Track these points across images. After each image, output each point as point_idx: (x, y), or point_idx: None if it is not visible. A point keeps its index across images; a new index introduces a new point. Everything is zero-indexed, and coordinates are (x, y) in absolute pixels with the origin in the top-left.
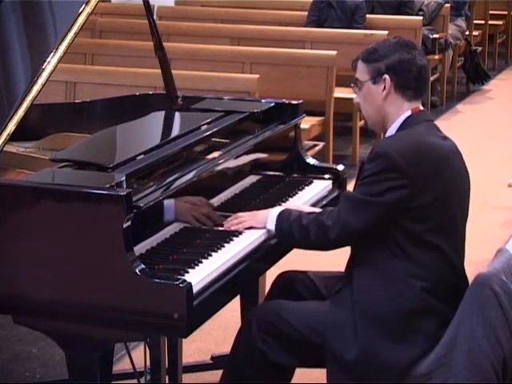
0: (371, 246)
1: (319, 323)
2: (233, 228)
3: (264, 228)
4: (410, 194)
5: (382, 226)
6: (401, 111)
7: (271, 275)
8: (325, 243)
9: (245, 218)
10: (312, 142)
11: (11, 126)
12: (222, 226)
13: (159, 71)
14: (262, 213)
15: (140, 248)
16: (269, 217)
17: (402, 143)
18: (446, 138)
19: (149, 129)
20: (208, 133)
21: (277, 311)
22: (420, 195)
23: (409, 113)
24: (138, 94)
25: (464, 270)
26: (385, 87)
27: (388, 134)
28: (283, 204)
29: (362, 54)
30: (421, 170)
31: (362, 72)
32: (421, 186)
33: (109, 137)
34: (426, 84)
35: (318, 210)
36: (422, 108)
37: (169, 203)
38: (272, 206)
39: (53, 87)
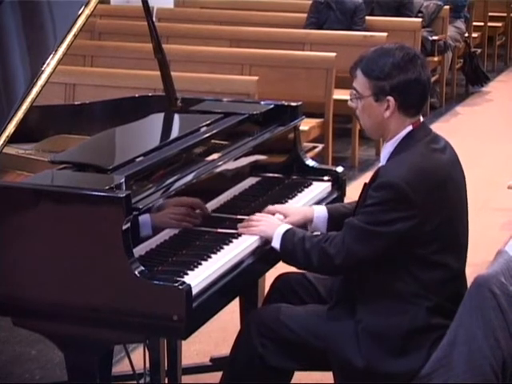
0: (375, 268)
1: (320, 329)
2: (240, 231)
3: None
4: (418, 223)
5: (387, 253)
6: (402, 127)
7: (270, 276)
8: (329, 270)
9: (256, 223)
10: (311, 144)
11: (10, 128)
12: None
13: (158, 73)
14: (270, 224)
15: (139, 250)
16: (274, 235)
17: (408, 171)
18: (445, 147)
19: (148, 131)
20: (207, 135)
21: (276, 315)
22: (428, 221)
23: (410, 128)
24: (137, 95)
25: (465, 275)
26: (388, 107)
27: (386, 148)
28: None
29: (361, 64)
30: (428, 197)
31: (362, 85)
32: (429, 212)
33: (108, 139)
34: (428, 97)
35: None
36: (421, 120)
37: (144, 217)
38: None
39: (52, 89)
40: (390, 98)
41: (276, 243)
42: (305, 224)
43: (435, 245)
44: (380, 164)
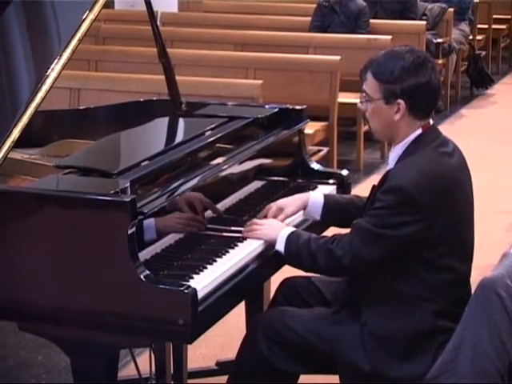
0: (381, 270)
1: (325, 332)
2: (244, 235)
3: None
4: (425, 227)
5: (394, 255)
6: (411, 130)
7: (276, 280)
8: (336, 271)
9: (259, 227)
10: (316, 147)
11: (15, 133)
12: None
13: (163, 77)
14: (274, 228)
15: (145, 254)
16: (278, 238)
17: (416, 175)
18: (453, 151)
19: (153, 135)
20: (212, 138)
21: (282, 319)
22: (435, 225)
23: (419, 131)
24: (141, 100)
25: (469, 278)
26: (398, 110)
27: (395, 151)
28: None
29: (372, 66)
30: (436, 201)
31: (372, 88)
32: (436, 216)
33: (113, 143)
34: (438, 100)
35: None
36: (431, 123)
37: (149, 222)
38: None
39: (57, 94)
40: (401, 102)
41: (280, 246)
42: (304, 208)
43: (442, 248)
44: (388, 167)
